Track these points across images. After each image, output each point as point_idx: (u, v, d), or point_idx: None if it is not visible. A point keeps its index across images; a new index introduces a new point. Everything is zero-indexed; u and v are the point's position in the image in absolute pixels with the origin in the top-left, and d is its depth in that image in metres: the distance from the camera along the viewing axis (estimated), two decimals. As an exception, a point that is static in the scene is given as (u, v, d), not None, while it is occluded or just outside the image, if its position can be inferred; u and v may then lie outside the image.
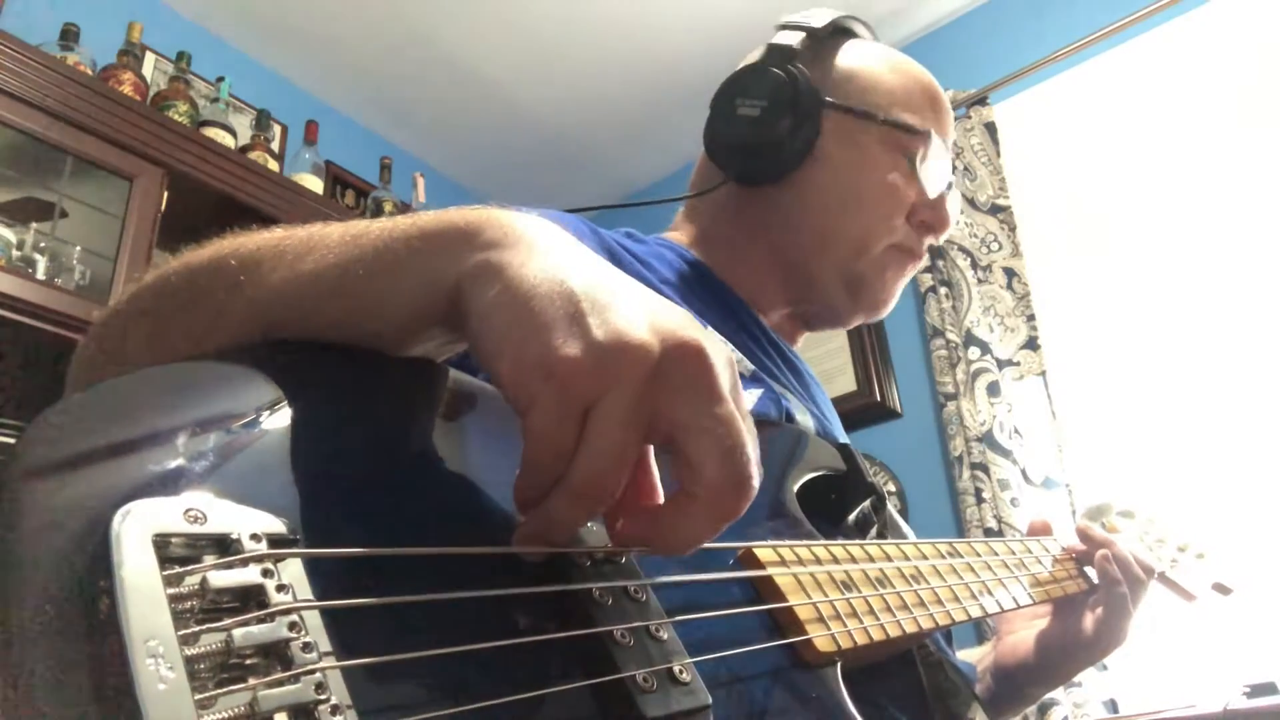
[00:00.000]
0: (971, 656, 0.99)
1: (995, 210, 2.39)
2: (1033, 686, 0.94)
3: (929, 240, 0.89)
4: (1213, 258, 2.11)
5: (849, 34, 0.92)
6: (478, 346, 0.38)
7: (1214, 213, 2.13)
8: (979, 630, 2.00)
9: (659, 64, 2.81)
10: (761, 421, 0.70)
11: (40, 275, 1.74)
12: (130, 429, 0.33)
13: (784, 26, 0.89)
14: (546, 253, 0.39)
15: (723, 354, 0.38)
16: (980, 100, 2.49)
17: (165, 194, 1.92)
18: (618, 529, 0.40)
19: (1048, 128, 2.45)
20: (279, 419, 0.37)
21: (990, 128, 2.45)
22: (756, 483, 0.37)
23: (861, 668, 0.55)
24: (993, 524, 2.11)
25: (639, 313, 0.37)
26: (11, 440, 1.69)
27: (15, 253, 1.72)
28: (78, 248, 1.82)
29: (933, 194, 0.86)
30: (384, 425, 0.42)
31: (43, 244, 1.78)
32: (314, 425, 0.38)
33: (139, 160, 1.89)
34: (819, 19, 0.88)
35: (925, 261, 2.36)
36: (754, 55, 0.89)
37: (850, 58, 0.89)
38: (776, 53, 0.85)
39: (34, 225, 1.78)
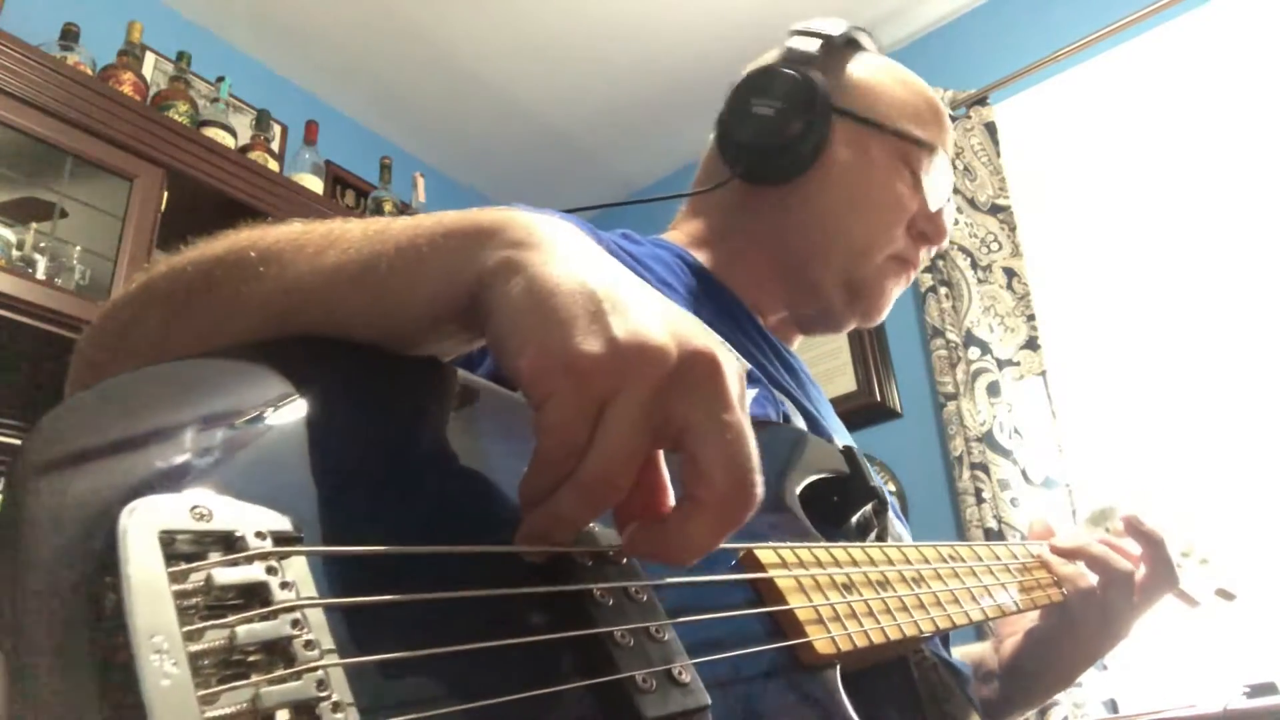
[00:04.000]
0: (970, 653, 0.99)
1: (995, 210, 2.39)
2: (1042, 683, 0.94)
3: (925, 250, 0.92)
4: (1213, 258, 2.11)
5: (859, 46, 0.94)
6: (497, 341, 0.38)
7: (1214, 212, 2.13)
8: (979, 630, 2.00)
9: (659, 64, 2.81)
10: (763, 422, 0.70)
11: (40, 275, 1.74)
12: (137, 425, 0.33)
13: (799, 32, 0.90)
14: (568, 253, 0.39)
15: (734, 365, 0.38)
16: (980, 100, 2.49)
17: (165, 194, 1.92)
18: (625, 539, 0.41)
19: (1048, 128, 2.45)
20: (286, 416, 0.37)
21: (990, 128, 2.46)
22: (760, 492, 0.37)
23: (858, 670, 0.55)
24: (993, 524, 2.11)
25: (658, 317, 0.37)
26: (13, 440, 1.70)
27: (15, 253, 1.72)
28: (78, 248, 1.82)
29: (934, 207, 0.88)
30: (391, 423, 0.42)
31: (43, 244, 1.78)
32: (321, 422, 0.38)
33: (139, 160, 1.89)
34: (834, 28, 0.90)
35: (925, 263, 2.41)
36: (770, 56, 0.91)
37: (862, 69, 0.91)
38: (795, 57, 0.87)
39: (34, 225, 1.78)
